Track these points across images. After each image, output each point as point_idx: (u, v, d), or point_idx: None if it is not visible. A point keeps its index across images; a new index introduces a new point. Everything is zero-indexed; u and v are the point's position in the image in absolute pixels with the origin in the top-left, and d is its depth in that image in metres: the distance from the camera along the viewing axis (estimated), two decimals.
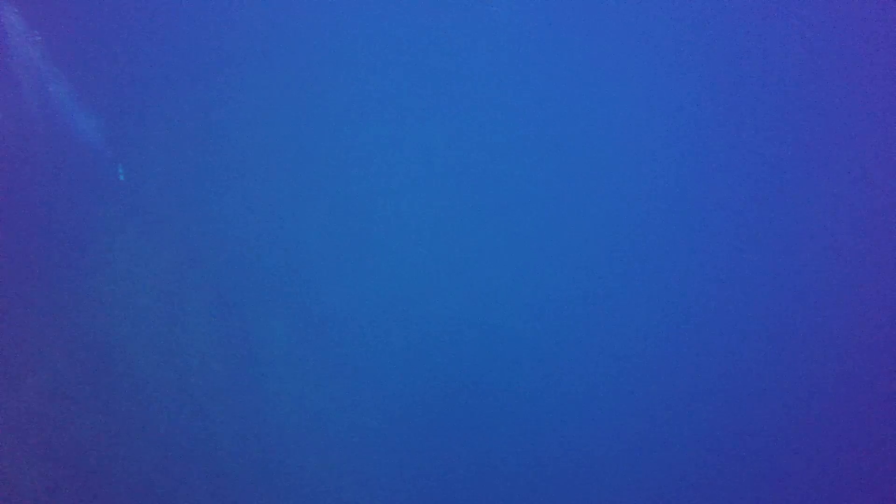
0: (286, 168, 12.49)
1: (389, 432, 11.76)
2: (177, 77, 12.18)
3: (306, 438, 11.60)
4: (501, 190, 13.07)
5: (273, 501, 11.23)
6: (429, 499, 11.67)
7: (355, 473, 11.58)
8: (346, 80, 12.65)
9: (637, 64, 12.83)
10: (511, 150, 13.04)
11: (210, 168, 12.23)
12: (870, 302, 12.07)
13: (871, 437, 11.76)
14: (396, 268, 12.48)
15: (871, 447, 11.73)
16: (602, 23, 13.04)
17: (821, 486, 11.91)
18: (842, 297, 12.18)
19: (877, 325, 11.93)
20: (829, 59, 12.45)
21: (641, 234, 12.75)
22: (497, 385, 12.27)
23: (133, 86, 12.16)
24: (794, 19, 12.60)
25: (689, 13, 12.75)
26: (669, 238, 12.76)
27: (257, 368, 11.77)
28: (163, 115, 12.05)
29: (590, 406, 12.28)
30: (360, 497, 11.52)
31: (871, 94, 12.27)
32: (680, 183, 12.78)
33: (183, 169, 12.14)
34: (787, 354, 12.19)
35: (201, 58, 12.27)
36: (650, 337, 12.44)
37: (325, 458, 11.55)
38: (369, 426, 11.78)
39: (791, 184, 12.60)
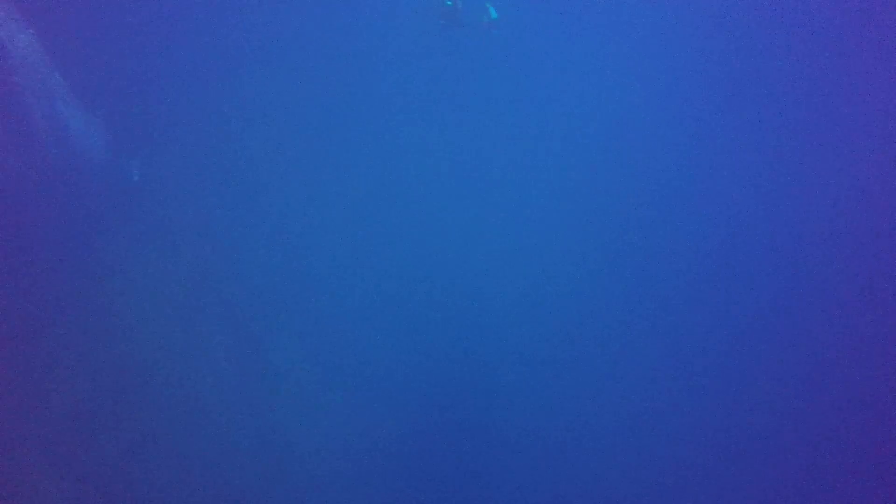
0: (293, 172, 12.72)
1: (394, 432, 12.02)
2: (189, 86, 12.22)
3: (313, 438, 11.86)
4: (503, 192, 13.45)
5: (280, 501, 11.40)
6: (432, 497, 11.94)
7: (361, 473, 11.83)
8: (351, 101, 12.81)
9: (637, 65, 13.09)
10: (513, 151, 13.36)
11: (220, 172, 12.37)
12: (870, 302, 12.38)
13: (870, 436, 12.12)
14: (399, 271, 12.87)
15: (870, 447, 12.09)
16: (601, 24, 13.18)
17: (819, 484, 12.14)
18: (842, 297, 12.52)
19: (877, 325, 12.26)
20: (830, 59, 12.69)
21: (642, 235, 13.17)
22: (500, 385, 12.65)
23: (145, 97, 12.15)
24: (795, 21, 12.80)
25: (688, 15, 12.99)
26: (669, 239, 13.14)
27: (265, 370, 12.00)
28: (175, 123, 12.12)
29: (590, 406, 12.60)
30: (365, 497, 11.75)
31: (872, 94, 12.48)
32: (679, 184, 13.18)
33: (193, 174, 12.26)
34: (787, 354, 12.57)
35: (211, 64, 12.31)
36: (650, 337, 12.84)
37: (330, 457, 11.81)
38: (375, 426, 12.05)
39: (791, 184, 12.88)
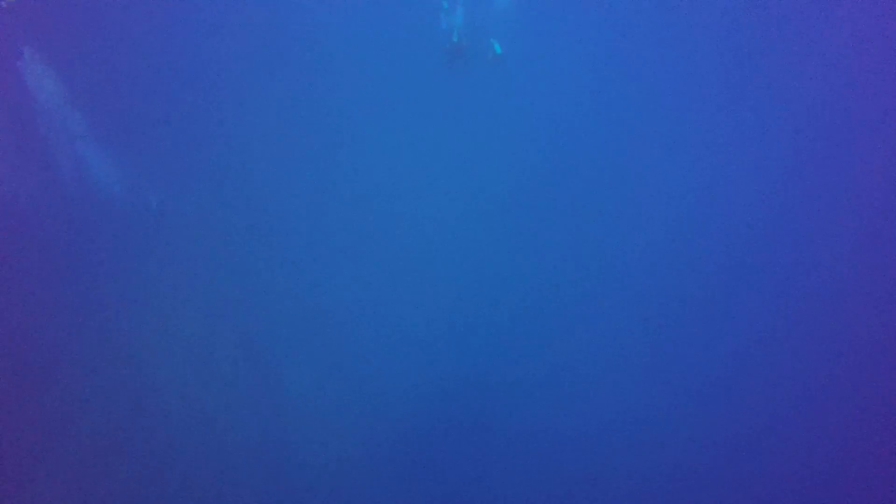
0: (309, 200, 13.04)
1: (395, 433, 12.07)
2: (206, 122, 12.75)
3: (317, 441, 11.93)
4: (506, 191, 13.47)
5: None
6: (435, 498, 11.85)
7: (365, 475, 11.82)
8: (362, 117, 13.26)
9: (639, 65, 13.31)
10: (515, 150, 13.54)
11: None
12: (870, 302, 12.19)
13: (871, 437, 11.85)
14: (404, 270, 12.99)
15: (871, 447, 11.82)
16: (603, 23, 13.54)
17: (820, 485, 11.85)
18: (842, 298, 12.31)
19: (877, 325, 12.01)
20: (832, 59, 12.64)
21: (643, 236, 13.09)
22: (501, 384, 12.57)
23: (163, 139, 12.62)
24: (796, 21, 12.80)
25: (689, 15, 13.15)
26: (671, 240, 13.03)
27: (280, 396, 12.02)
28: (191, 161, 12.61)
29: (592, 405, 12.45)
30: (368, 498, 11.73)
31: (872, 94, 12.44)
32: (681, 185, 13.11)
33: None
34: (787, 355, 12.37)
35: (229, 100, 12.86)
36: (654, 339, 12.71)
37: (334, 461, 11.85)
38: (378, 427, 12.09)
39: (791, 185, 12.76)
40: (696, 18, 13.01)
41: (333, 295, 12.83)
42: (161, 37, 12.80)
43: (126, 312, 11.69)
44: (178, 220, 12.23)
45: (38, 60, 11.86)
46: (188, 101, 12.81)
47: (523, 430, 12.35)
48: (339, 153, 13.12)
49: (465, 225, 13.26)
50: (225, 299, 12.16)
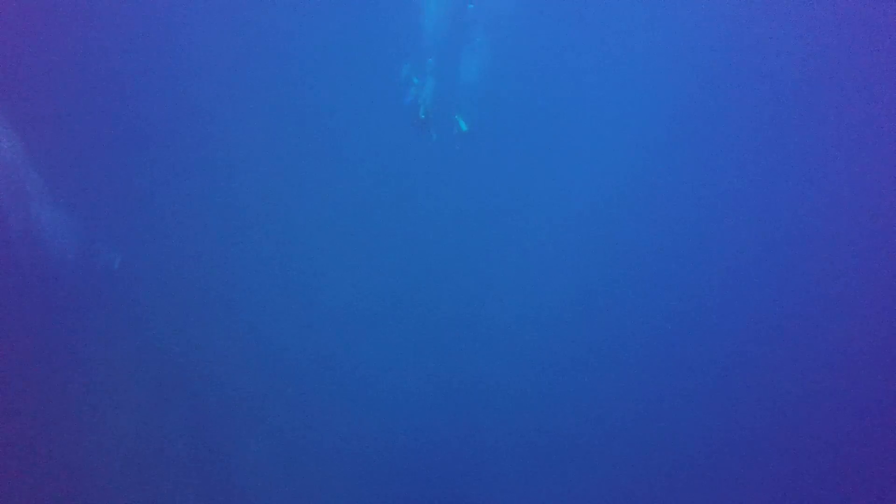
0: (271, 259, 12.89)
1: (392, 434, 11.95)
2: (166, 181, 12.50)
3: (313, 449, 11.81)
4: (506, 190, 13.74)
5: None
6: (431, 496, 11.62)
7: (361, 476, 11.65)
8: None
9: (637, 66, 13.49)
10: (515, 150, 13.83)
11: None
12: (870, 302, 12.32)
13: (870, 437, 11.93)
14: (400, 269, 13.05)
15: (870, 447, 11.91)
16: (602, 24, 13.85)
17: (820, 485, 11.88)
18: (841, 298, 12.42)
19: (877, 325, 12.14)
20: (830, 59, 12.83)
21: (642, 235, 13.28)
22: (499, 384, 12.45)
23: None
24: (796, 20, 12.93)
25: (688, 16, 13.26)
26: (670, 240, 13.21)
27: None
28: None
29: (590, 405, 12.42)
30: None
31: (871, 94, 12.63)
32: (680, 185, 13.38)
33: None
34: (787, 354, 12.45)
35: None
36: (652, 339, 12.75)
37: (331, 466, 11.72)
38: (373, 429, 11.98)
39: (791, 184, 12.96)
40: (675, 90, 13.43)
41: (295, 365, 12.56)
42: (122, 94, 12.74)
43: (87, 381, 11.21)
44: (140, 280, 11.92)
45: None
46: (153, 159, 12.72)
47: (523, 433, 12.22)
48: (300, 222, 13.09)
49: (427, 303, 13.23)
50: (189, 364, 11.77)
